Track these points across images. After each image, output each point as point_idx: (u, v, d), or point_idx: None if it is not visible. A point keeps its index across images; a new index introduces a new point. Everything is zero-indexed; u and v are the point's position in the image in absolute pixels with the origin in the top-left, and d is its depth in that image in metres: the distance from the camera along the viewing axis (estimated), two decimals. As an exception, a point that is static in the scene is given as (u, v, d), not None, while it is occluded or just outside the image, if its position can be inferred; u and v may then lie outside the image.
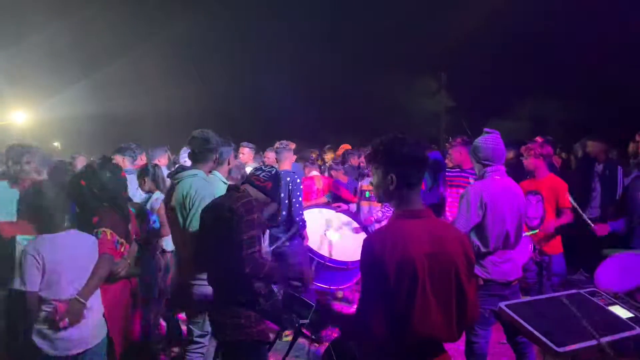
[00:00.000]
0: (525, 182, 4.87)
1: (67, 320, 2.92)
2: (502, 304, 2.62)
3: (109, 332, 3.24)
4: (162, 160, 6.42)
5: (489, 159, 3.46)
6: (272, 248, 4.96)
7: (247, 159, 6.50)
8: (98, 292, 3.14)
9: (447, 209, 5.36)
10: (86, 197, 3.35)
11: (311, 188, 6.36)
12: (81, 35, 15.19)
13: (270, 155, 6.44)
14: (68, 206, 3.19)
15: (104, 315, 3.21)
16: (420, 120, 13.88)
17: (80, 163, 6.87)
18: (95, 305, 3.12)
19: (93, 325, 3.08)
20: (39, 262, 2.89)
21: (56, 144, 17.59)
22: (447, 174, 5.59)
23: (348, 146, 8.98)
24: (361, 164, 5.77)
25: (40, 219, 3.04)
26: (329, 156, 9.16)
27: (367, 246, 1.99)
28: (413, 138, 2.10)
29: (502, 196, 3.39)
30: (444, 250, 2.00)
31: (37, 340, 2.95)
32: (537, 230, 4.75)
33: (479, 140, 3.53)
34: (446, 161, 5.97)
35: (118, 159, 5.76)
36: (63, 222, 3.07)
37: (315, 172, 6.65)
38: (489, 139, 3.50)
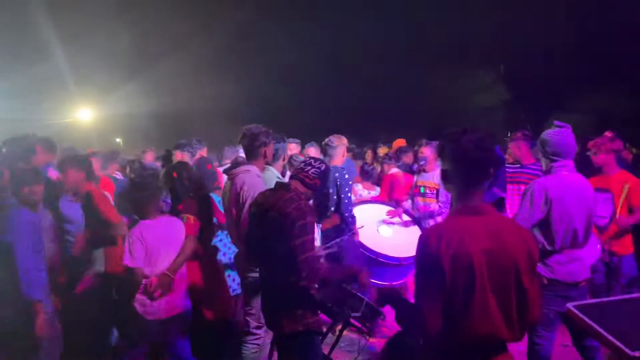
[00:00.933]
0: (593, 179, 4.61)
1: (159, 291, 3.45)
2: (571, 305, 2.48)
3: (194, 303, 3.72)
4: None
5: (558, 154, 3.30)
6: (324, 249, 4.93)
7: None
8: (184, 267, 3.68)
9: (507, 205, 5.16)
10: (176, 188, 3.96)
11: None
12: (138, 34, 15.73)
13: (311, 151, 6.36)
14: (160, 196, 3.87)
15: (188, 288, 3.72)
16: (477, 114, 13.48)
17: (150, 157, 7.11)
18: (182, 278, 3.65)
19: (179, 295, 3.60)
20: (142, 243, 3.49)
21: (118, 140, 18.36)
22: (506, 169, 5.39)
23: (403, 141, 8.79)
24: (420, 155, 5.63)
25: (138, 209, 3.66)
26: (382, 151, 9.01)
27: (422, 241, 1.96)
28: (479, 133, 2.01)
29: (570, 193, 3.24)
30: (503, 247, 1.93)
31: (137, 307, 3.50)
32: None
33: (547, 134, 3.37)
34: (506, 156, 5.75)
35: (177, 154, 5.90)
36: (157, 209, 3.69)
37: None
38: (559, 133, 3.33)
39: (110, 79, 16.11)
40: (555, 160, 3.31)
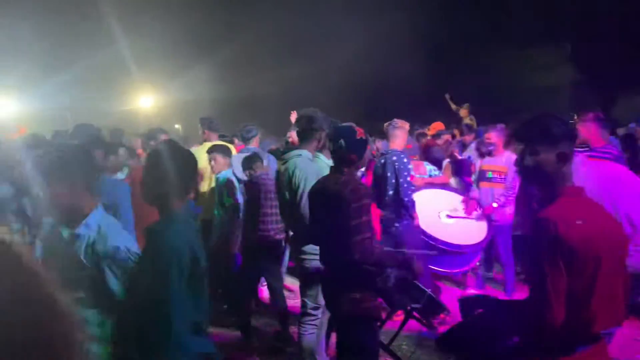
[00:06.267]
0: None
1: None
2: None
3: None
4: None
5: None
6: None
7: None
8: None
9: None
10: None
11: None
12: (197, 20, 15.89)
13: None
14: None
15: None
16: (542, 96, 12.84)
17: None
18: None
19: None
20: None
21: (177, 126, 18.88)
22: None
23: (441, 125, 8.61)
24: (487, 141, 5.43)
25: None
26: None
27: (545, 225, 1.86)
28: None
29: (603, 179, 3.15)
30: (615, 229, 1.94)
31: None
32: None
33: None
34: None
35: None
36: None
37: None
38: None
39: (172, 66, 16.47)
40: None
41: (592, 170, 3.16)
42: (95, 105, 15.76)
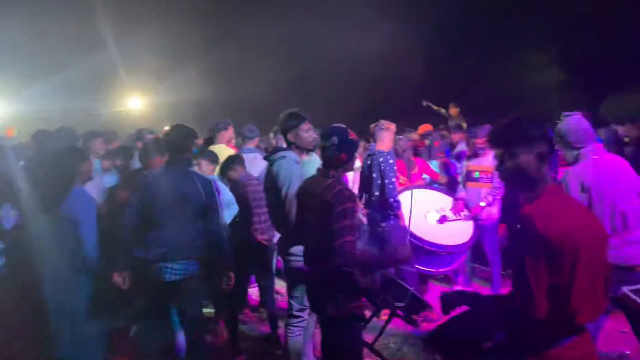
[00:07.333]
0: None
1: None
2: (626, 289, 2.41)
3: None
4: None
5: (581, 141, 3.29)
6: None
7: None
8: None
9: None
10: None
11: None
12: (184, 24, 15.84)
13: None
14: None
15: None
16: (529, 97, 12.93)
17: None
18: None
19: None
20: None
21: (166, 127, 18.78)
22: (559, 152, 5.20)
23: (429, 126, 8.64)
24: (477, 145, 5.50)
25: None
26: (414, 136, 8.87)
27: (528, 221, 1.93)
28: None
29: (606, 176, 3.19)
30: (594, 224, 2.01)
31: None
32: None
33: (563, 125, 3.36)
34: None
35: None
36: None
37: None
38: (574, 121, 3.33)
39: (161, 68, 16.42)
40: (580, 148, 3.28)
41: (595, 165, 3.22)
42: (85, 107, 15.72)
